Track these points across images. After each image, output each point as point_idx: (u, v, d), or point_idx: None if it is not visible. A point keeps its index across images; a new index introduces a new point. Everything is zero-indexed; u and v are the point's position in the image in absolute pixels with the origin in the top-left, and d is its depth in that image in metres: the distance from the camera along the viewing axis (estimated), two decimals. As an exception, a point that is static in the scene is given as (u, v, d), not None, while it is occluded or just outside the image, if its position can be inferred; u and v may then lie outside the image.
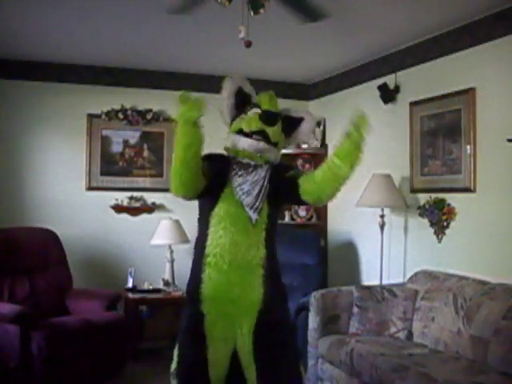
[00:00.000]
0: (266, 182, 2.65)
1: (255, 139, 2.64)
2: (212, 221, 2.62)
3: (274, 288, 2.65)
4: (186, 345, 2.66)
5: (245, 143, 2.65)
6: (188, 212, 5.26)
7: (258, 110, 2.68)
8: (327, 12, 3.13)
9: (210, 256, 2.59)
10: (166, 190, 5.41)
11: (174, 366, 2.70)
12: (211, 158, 2.70)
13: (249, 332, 2.60)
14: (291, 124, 2.80)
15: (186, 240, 5.01)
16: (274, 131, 2.65)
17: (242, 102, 2.73)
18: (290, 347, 2.67)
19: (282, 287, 2.78)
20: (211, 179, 2.59)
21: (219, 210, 2.61)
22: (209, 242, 2.60)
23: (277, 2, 2.91)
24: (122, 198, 5.35)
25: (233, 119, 2.75)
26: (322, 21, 3.24)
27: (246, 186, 2.61)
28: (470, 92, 3.87)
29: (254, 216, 2.60)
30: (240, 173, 2.64)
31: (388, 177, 4.44)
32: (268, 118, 2.65)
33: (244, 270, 2.60)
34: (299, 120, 2.82)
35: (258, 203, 2.60)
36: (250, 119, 2.66)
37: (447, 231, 4.09)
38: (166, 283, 5.07)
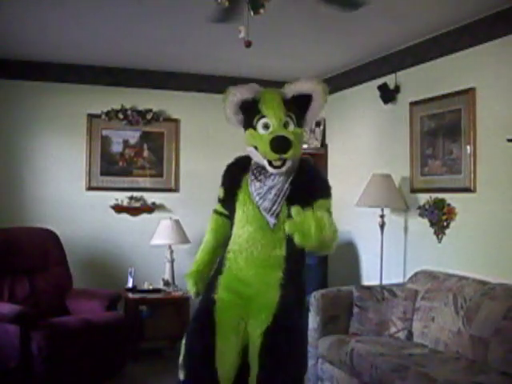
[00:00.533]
0: (285, 186, 2.63)
1: (275, 167, 2.60)
2: (235, 221, 2.71)
3: (292, 292, 2.63)
4: (193, 331, 2.68)
5: (265, 165, 2.63)
6: (188, 212, 5.33)
7: (267, 131, 2.60)
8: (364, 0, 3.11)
9: (230, 252, 2.70)
10: (166, 190, 5.52)
11: (181, 357, 2.70)
12: (230, 173, 2.81)
13: (260, 333, 2.58)
14: (303, 102, 2.68)
15: (185, 240, 5.00)
16: (291, 153, 2.57)
17: (249, 109, 2.66)
18: (296, 356, 2.64)
19: (301, 292, 2.75)
20: (231, 193, 2.73)
21: (240, 212, 2.68)
22: (231, 240, 2.72)
23: None
24: (122, 197, 5.35)
25: (244, 125, 2.72)
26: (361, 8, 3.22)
27: (263, 191, 2.63)
28: (469, 92, 3.86)
29: (271, 220, 2.62)
30: (259, 178, 2.67)
31: (388, 177, 4.44)
32: (280, 148, 2.55)
33: (260, 269, 2.62)
34: (309, 96, 2.68)
35: (274, 207, 2.61)
36: (265, 149, 2.58)
37: (447, 231, 4.08)
38: (166, 283, 5.07)
